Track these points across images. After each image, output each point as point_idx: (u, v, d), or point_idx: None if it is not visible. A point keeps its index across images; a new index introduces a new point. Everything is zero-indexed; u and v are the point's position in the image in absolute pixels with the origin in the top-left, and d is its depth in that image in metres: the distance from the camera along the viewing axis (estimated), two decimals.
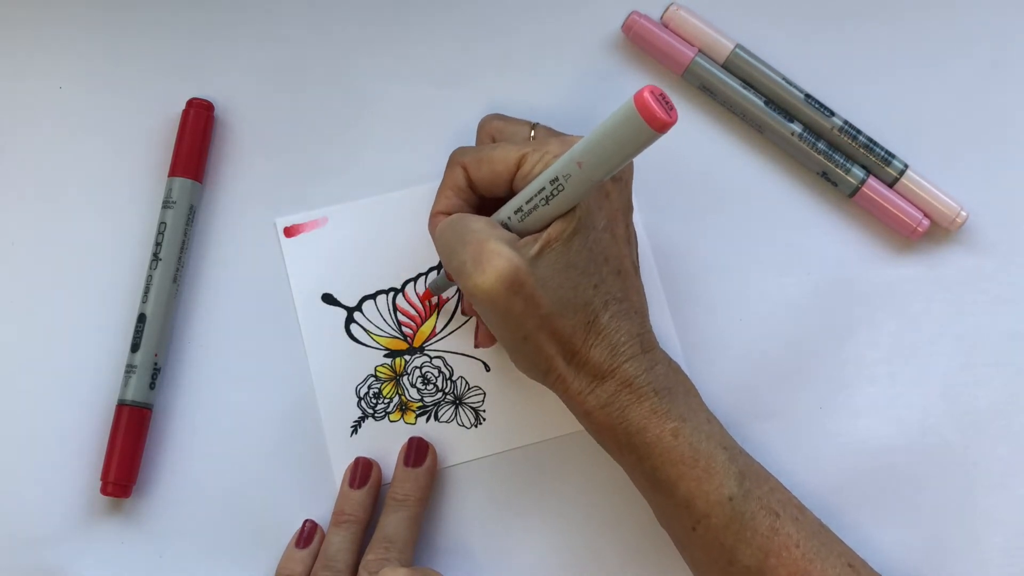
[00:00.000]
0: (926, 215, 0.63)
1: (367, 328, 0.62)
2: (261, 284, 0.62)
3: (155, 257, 0.61)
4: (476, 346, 0.62)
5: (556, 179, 0.50)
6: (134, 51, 0.63)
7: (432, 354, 0.62)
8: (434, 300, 0.62)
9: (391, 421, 0.62)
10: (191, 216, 0.61)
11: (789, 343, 0.63)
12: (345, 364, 0.62)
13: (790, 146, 0.63)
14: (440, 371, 0.62)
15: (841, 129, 0.63)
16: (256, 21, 0.64)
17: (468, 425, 0.62)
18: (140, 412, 0.60)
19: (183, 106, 0.62)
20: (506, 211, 0.53)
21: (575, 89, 0.64)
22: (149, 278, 0.61)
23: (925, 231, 0.62)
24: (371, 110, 0.64)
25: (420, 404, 0.62)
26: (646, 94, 0.45)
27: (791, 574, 0.53)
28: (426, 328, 0.62)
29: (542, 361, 0.53)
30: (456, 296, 0.63)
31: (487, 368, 0.62)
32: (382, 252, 0.63)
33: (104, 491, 0.59)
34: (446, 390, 0.62)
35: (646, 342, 0.54)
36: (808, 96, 0.63)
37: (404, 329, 0.62)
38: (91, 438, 0.61)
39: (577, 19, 0.64)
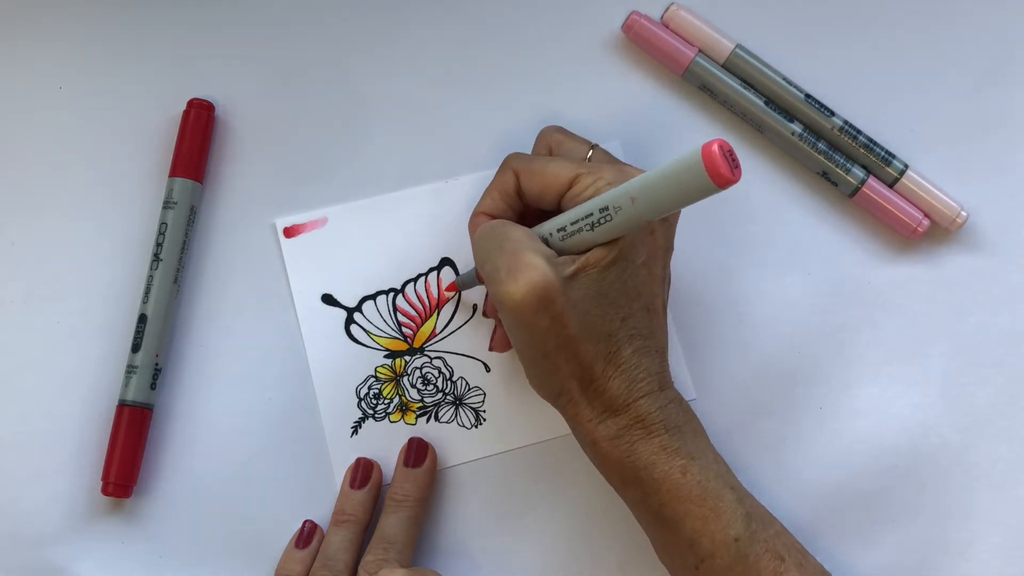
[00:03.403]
0: (926, 215, 0.63)
1: (367, 329, 0.62)
2: (261, 284, 0.62)
3: (156, 257, 0.61)
4: (490, 349, 0.61)
5: (606, 208, 0.50)
6: (134, 51, 0.63)
7: (432, 354, 0.62)
8: (451, 295, 0.62)
9: (391, 422, 0.62)
10: (192, 216, 0.61)
11: (789, 343, 0.63)
12: (345, 365, 0.62)
13: (790, 146, 0.63)
14: (440, 372, 0.62)
15: (841, 129, 0.63)
16: (256, 21, 0.64)
17: (468, 426, 0.62)
18: (141, 412, 0.60)
19: (184, 106, 0.62)
20: (549, 227, 0.53)
21: (575, 89, 0.64)
22: (150, 278, 0.61)
23: (925, 231, 0.62)
24: (371, 110, 0.64)
25: (420, 405, 0.62)
26: (715, 148, 0.44)
27: None
28: (426, 328, 0.62)
29: (557, 382, 0.53)
30: (457, 298, 0.63)
31: (487, 369, 0.62)
32: (382, 252, 0.63)
33: (105, 491, 0.59)
34: (446, 391, 0.62)
35: (663, 380, 0.54)
36: (808, 96, 0.63)
37: (404, 330, 0.62)
38: (92, 438, 0.61)
39: (577, 19, 0.64)
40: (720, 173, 0.44)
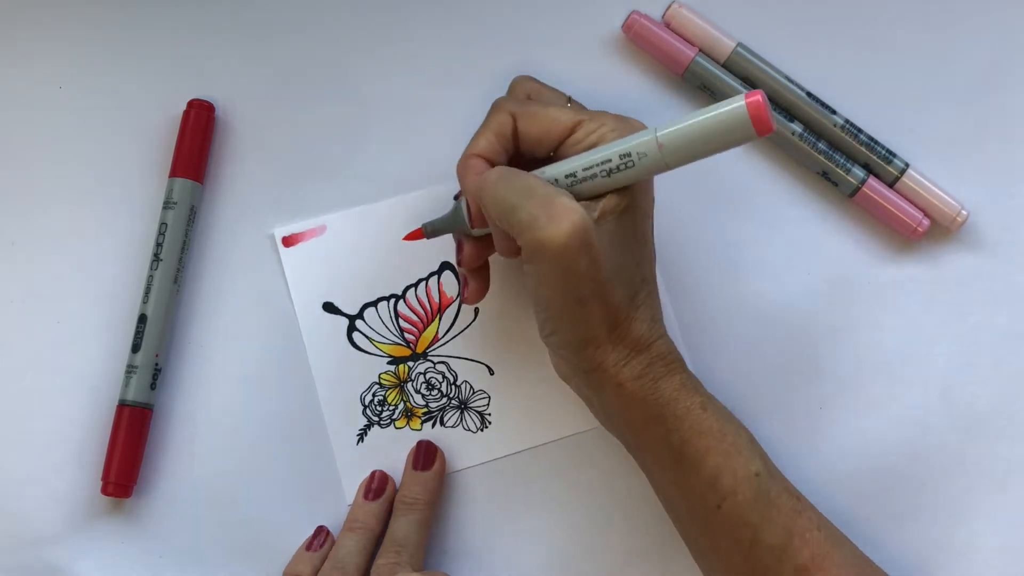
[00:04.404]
0: (926, 215, 0.63)
1: (369, 336, 0.62)
2: (261, 284, 0.62)
3: (156, 257, 0.61)
4: (464, 301, 0.60)
5: (628, 155, 0.50)
6: (135, 51, 0.63)
7: (435, 359, 0.62)
8: (413, 242, 0.59)
9: (397, 428, 0.62)
10: (192, 217, 0.61)
11: (789, 343, 0.63)
12: (349, 372, 0.62)
13: (790, 146, 0.63)
14: (444, 376, 0.62)
15: (842, 127, 0.63)
16: (256, 21, 0.64)
17: (474, 429, 0.62)
18: (141, 412, 0.60)
19: (184, 107, 0.62)
20: (554, 172, 0.52)
21: (575, 89, 0.63)
22: (150, 278, 0.61)
23: (925, 231, 0.62)
24: (371, 110, 0.63)
25: (425, 410, 0.62)
26: (760, 97, 0.47)
27: (813, 556, 0.53)
28: (428, 334, 0.62)
29: (588, 329, 0.52)
30: (459, 305, 0.63)
31: (491, 372, 0.62)
32: (382, 259, 0.63)
33: (105, 491, 0.59)
34: (451, 395, 0.62)
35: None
36: (809, 94, 0.63)
37: (407, 335, 0.62)
38: (92, 438, 0.61)
39: (577, 19, 0.64)
40: (764, 120, 0.47)
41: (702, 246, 0.63)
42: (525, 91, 0.59)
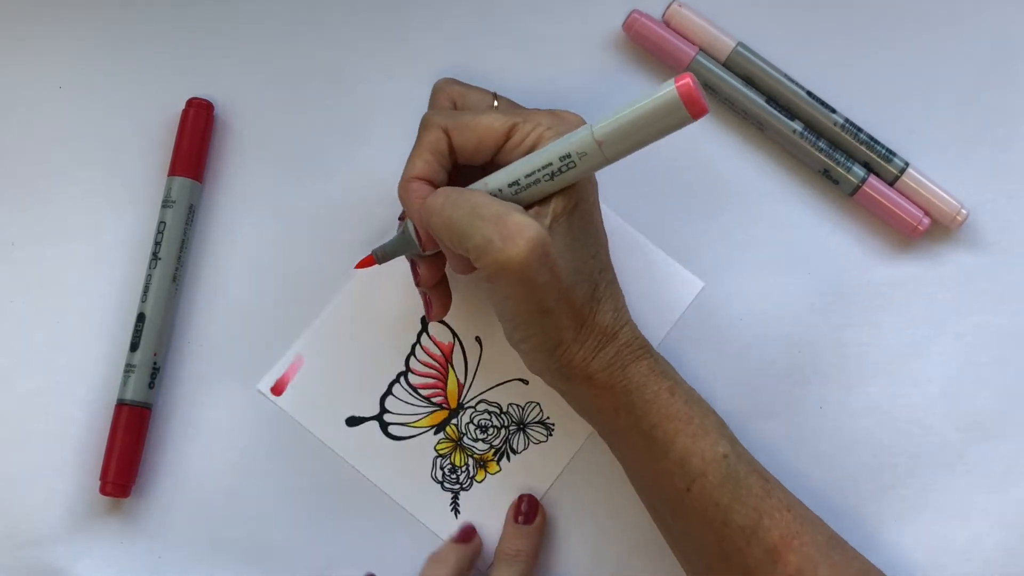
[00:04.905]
0: (927, 213, 0.62)
1: (403, 422, 0.62)
2: (261, 284, 0.62)
3: (155, 256, 0.61)
4: (430, 319, 0.58)
5: (568, 155, 0.50)
6: (134, 51, 0.63)
7: (473, 403, 0.62)
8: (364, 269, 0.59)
9: (479, 482, 0.62)
10: (191, 215, 0.61)
11: (789, 343, 0.62)
12: (406, 464, 0.61)
13: (791, 144, 0.63)
14: (489, 411, 0.62)
15: (842, 126, 0.62)
16: (256, 21, 0.64)
17: (544, 438, 0.62)
18: (139, 412, 0.60)
19: (183, 105, 0.62)
20: (496, 182, 0.52)
21: (575, 88, 0.64)
22: (148, 277, 0.61)
23: (926, 230, 0.62)
24: (371, 110, 0.63)
25: (492, 450, 0.62)
26: (689, 80, 0.47)
27: (783, 536, 0.53)
28: (452, 386, 0.62)
29: (556, 333, 0.53)
30: (460, 347, 0.62)
31: (526, 383, 0.62)
32: (369, 351, 0.62)
33: (103, 491, 0.59)
34: (505, 424, 0.62)
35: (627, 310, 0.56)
36: (810, 93, 0.63)
37: (434, 400, 0.62)
38: (90, 438, 0.61)
39: (578, 18, 0.64)
40: (697, 103, 0.47)
41: (702, 245, 0.63)
42: (450, 97, 0.57)
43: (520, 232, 0.49)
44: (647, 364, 0.54)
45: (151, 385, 0.60)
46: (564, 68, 0.64)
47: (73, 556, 0.60)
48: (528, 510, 0.60)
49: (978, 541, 0.61)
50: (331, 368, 0.62)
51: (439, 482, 0.61)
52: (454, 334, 0.62)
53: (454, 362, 0.62)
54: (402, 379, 0.62)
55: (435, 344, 0.62)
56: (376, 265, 0.57)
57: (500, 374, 0.62)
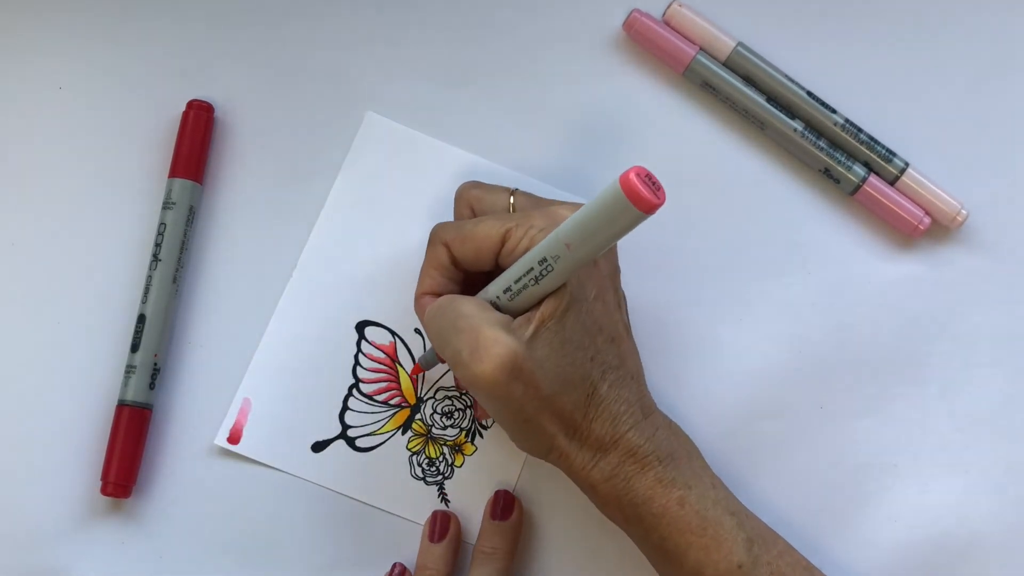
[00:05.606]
0: (927, 213, 0.62)
1: (369, 432, 0.62)
2: (260, 284, 0.62)
3: (155, 258, 0.61)
4: (478, 418, 0.61)
5: (544, 260, 0.49)
6: (134, 52, 0.63)
7: (432, 393, 0.62)
8: (418, 376, 0.62)
9: (458, 467, 0.61)
10: (191, 217, 0.61)
11: (789, 343, 0.62)
12: (383, 472, 0.61)
13: (792, 144, 0.63)
14: (448, 397, 0.62)
15: (843, 126, 0.62)
16: (256, 22, 0.64)
17: None
18: (140, 412, 0.60)
19: (183, 107, 0.62)
20: (494, 290, 0.52)
21: (575, 88, 0.64)
22: (149, 278, 0.61)
23: (926, 229, 0.62)
24: (371, 110, 0.63)
25: (462, 432, 0.62)
26: (632, 176, 0.45)
27: None
28: (406, 384, 0.62)
29: (544, 440, 0.52)
30: (401, 344, 0.62)
31: None
32: (315, 373, 0.62)
33: (104, 491, 0.59)
34: (469, 404, 0.62)
35: (645, 407, 0.54)
36: (810, 93, 0.63)
37: (392, 401, 0.62)
38: (91, 438, 0.61)
39: (578, 17, 0.64)
40: (643, 198, 0.45)
41: (702, 244, 0.63)
42: (468, 204, 0.58)
43: (487, 349, 0.49)
44: (654, 475, 0.53)
45: (151, 386, 0.60)
46: (564, 68, 0.64)
47: (74, 556, 0.60)
48: (504, 506, 0.60)
49: (978, 541, 0.61)
50: (281, 401, 0.61)
51: (420, 479, 0.61)
52: (392, 333, 0.62)
53: (401, 360, 0.62)
54: (355, 391, 0.62)
55: (376, 348, 0.62)
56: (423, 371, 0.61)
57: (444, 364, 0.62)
